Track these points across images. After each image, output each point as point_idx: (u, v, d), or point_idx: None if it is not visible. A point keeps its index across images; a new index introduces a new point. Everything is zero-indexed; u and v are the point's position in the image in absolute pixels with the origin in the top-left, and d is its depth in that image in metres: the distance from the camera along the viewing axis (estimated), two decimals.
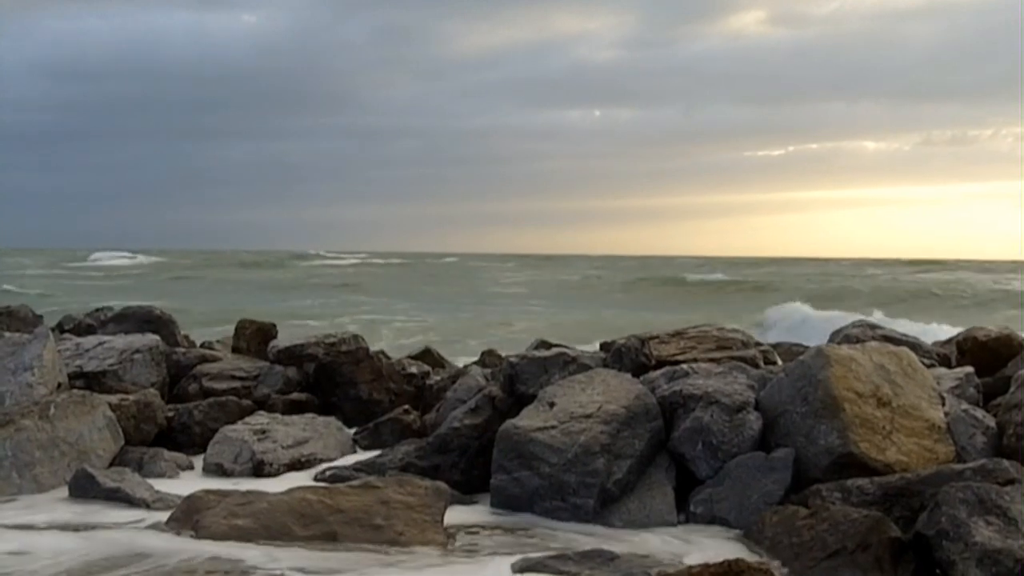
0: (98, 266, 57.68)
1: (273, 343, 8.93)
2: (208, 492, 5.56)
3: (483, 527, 5.60)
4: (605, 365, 7.21)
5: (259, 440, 6.99)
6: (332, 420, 7.70)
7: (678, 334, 7.82)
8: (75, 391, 7.09)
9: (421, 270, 59.19)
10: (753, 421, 6.12)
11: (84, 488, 6.02)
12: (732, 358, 7.21)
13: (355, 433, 7.60)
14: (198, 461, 7.02)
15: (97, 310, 10.99)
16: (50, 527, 5.43)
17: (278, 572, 4.62)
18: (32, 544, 5.06)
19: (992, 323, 9.50)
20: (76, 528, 5.42)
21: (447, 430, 6.71)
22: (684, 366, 6.84)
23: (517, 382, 7.01)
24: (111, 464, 6.67)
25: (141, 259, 64.95)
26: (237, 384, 8.38)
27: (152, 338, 8.62)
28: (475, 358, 10.40)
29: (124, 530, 5.38)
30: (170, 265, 59.19)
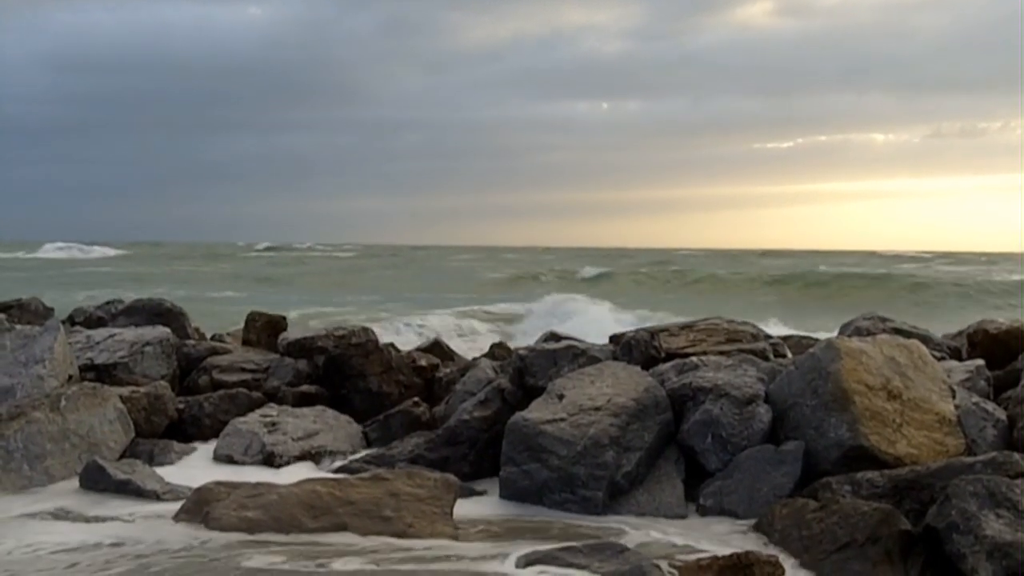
0: (38, 258, 57.08)
1: (283, 336, 8.95)
2: (218, 484, 5.58)
3: (492, 519, 5.60)
4: (615, 358, 7.21)
5: (269, 432, 7.01)
6: (342, 415, 7.71)
7: (687, 327, 7.82)
8: (86, 383, 7.11)
9: (386, 262, 59.29)
10: (763, 414, 6.11)
11: (95, 480, 6.04)
12: (742, 351, 7.21)
13: (365, 425, 7.61)
14: (209, 453, 7.03)
15: (108, 303, 11.02)
16: (61, 519, 5.46)
17: (286, 564, 4.63)
18: (42, 536, 5.09)
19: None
20: (87, 520, 5.44)
21: (456, 422, 6.72)
22: (694, 359, 6.85)
23: (526, 374, 7.02)
24: (122, 456, 6.69)
25: (99, 251, 64.45)
26: (247, 376, 8.40)
27: (163, 330, 8.64)
28: None
29: (135, 522, 5.40)
30: (122, 258, 59.20)
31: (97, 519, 5.46)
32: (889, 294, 30.98)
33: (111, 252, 64.50)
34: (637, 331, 7.62)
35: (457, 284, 38.49)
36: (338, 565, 4.62)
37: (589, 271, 43.33)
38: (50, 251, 63.39)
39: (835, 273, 37.97)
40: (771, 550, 4.87)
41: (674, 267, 46.57)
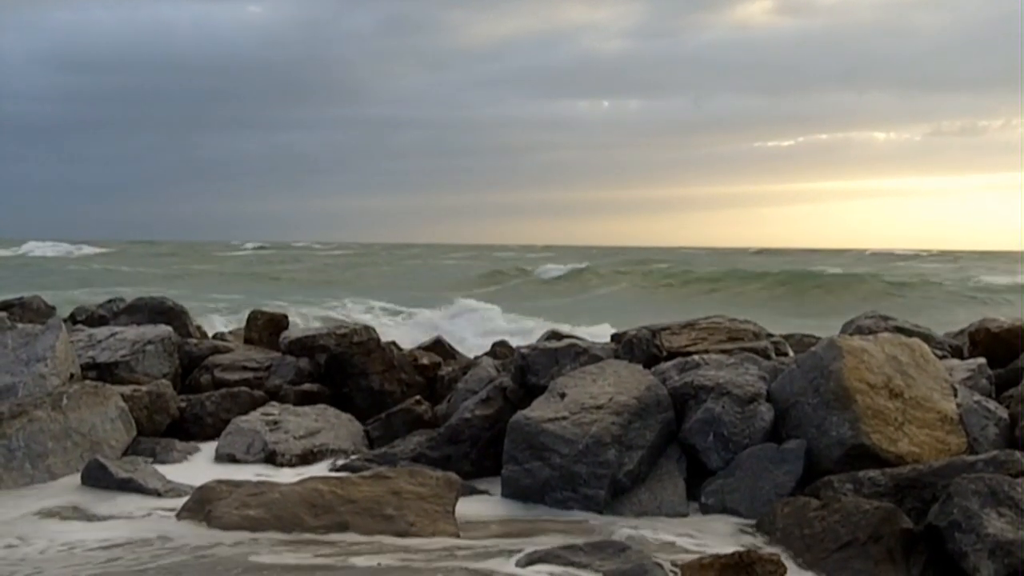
0: (22, 256, 56.85)
1: (285, 334, 8.94)
2: (220, 482, 5.58)
3: (494, 518, 5.61)
4: (616, 356, 7.21)
5: (271, 431, 7.01)
6: (344, 414, 7.71)
7: (689, 325, 7.81)
8: (88, 382, 7.12)
9: (370, 260, 59.51)
10: (764, 412, 6.11)
11: (97, 478, 6.04)
12: (743, 349, 7.20)
13: (366, 424, 7.61)
14: (210, 451, 7.04)
15: (109, 301, 11.03)
16: (62, 517, 5.46)
17: (288, 563, 4.64)
18: (44, 534, 5.09)
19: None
20: (89, 518, 5.45)
21: (458, 421, 6.72)
22: (695, 357, 6.84)
23: (528, 373, 7.01)
24: (124, 454, 6.70)
25: (85, 249, 64.28)
26: (249, 375, 8.40)
27: (164, 329, 8.64)
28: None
29: (136, 520, 5.40)
30: (103, 256, 59.18)
31: (99, 517, 5.46)
32: (862, 293, 30.58)
33: (94, 250, 64.14)
34: (639, 330, 7.62)
35: (422, 283, 38.56)
36: (340, 564, 4.63)
37: (554, 270, 43.03)
38: (31, 248, 62.79)
39: (802, 272, 37.28)
40: (773, 548, 4.87)
41: (654, 265, 46.31)
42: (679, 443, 6.20)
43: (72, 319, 10.45)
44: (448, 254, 71.44)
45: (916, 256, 66.34)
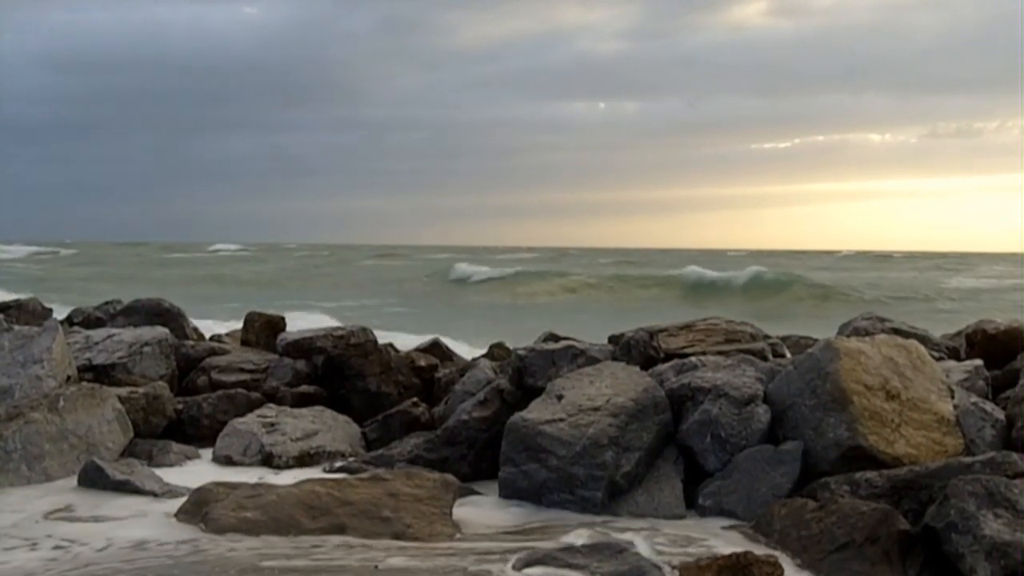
0: None
1: (282, 336, 8.94)
2: (217, 484, 5.58)
3: (491, 520, 5.59)
4: (614, 358, 7.21)
5: (268, 432, 7.01)
6: (341, 416, 7.71)
7: (687, 327, 7.82)
8: (84, 384, 7.11)
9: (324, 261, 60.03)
10: (761, 414, 6.11)
11: (93, 480, 6.04)
12: (741, 351, 7.21)
13: (364, 426, 7.61)
14: (207, 453, 7.04)
15: (106, 303, 11.03)
16: (58, 519, 5.45)
17: (284, 565, 4.63)
18: (40, 536, 5.09)
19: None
20: (85, 520, 5.44)
21: (455, 423, 6.72)
22: (693, 359, 6.85)
23: (525, 375, 7.02)
24: (120, 456, 6.69)
25: (59, 252, 64.08)
26: (246, 377, 8.40)
27: (161, 331, 8.64)
28: None
29: (133, 522, 5.39)
30: (57, 258, 59.19)
31: (95, 519, 5.45)
32: (786, 299, 30.23)
33: (63, 252, 63.67)
34: (636, 331, 7.62)
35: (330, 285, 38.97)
36: (337, 566, 4.62)
37: (461, 270, 42.62)
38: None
39: (714, 278, 36.30)
40: (770, 550, 4.87)
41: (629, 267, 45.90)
42: (676, 445, 6.20)
43: (69, 321, 10.45)
44: (430, 255, 71.44)
45: (890, 258, 66.23)
